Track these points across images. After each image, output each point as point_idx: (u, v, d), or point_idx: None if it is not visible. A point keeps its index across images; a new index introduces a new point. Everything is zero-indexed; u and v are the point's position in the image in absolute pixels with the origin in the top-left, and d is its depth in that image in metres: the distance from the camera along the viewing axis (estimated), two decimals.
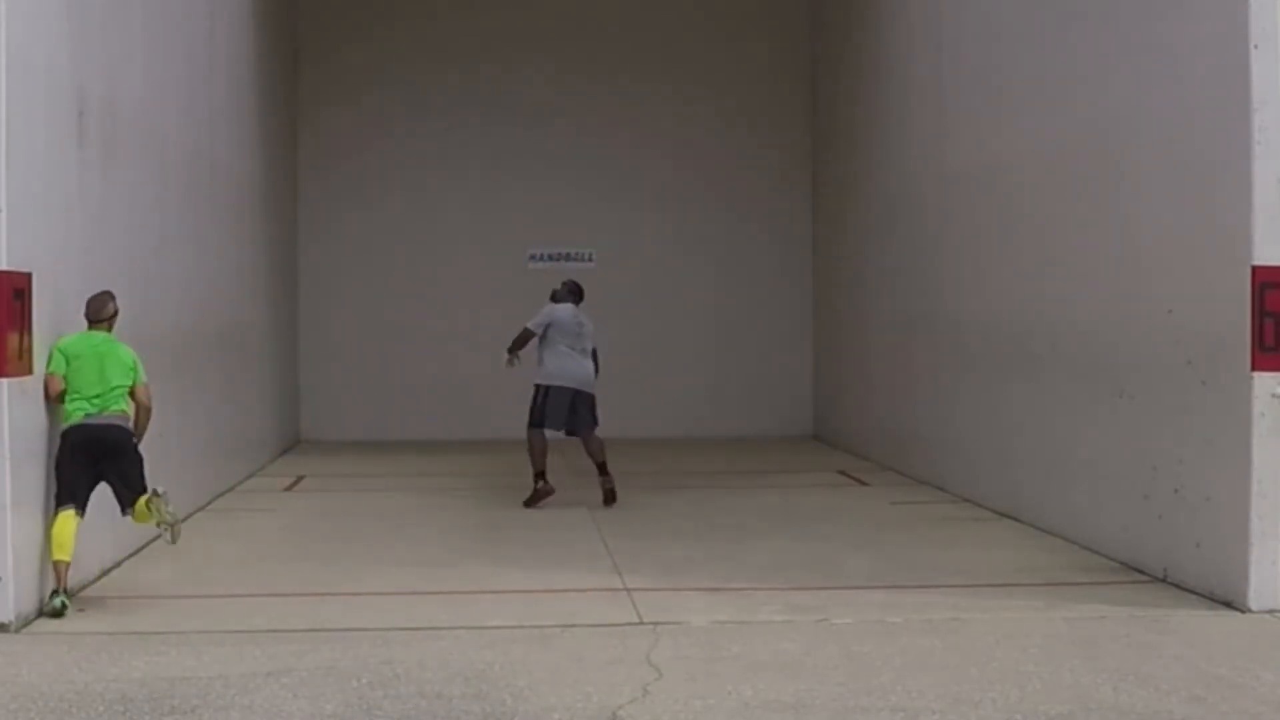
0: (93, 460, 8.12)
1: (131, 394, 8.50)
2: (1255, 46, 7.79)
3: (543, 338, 12.29)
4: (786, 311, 19.66)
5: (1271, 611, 7.78)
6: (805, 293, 19.64)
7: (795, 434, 19.23)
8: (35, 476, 7.90)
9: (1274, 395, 7.76)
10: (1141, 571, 8.99)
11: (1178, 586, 8.52)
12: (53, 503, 8.02)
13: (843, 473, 15.11)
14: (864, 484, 14.26)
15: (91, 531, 8.87)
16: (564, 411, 12.17)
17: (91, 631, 7.56)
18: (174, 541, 8.78)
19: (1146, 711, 6.04)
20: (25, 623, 7.60)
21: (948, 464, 13.19)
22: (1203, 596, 8.22)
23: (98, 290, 8.56)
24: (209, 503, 12.43)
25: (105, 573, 9.06)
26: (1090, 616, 7.91)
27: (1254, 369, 7.77)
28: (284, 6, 17.83)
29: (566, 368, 12.26)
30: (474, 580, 9.07)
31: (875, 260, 16.08)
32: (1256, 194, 7.78)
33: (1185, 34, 8.53)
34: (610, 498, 12.08)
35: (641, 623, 7.70)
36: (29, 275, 7.71)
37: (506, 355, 12.36)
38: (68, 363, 8.13)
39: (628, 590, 8.62)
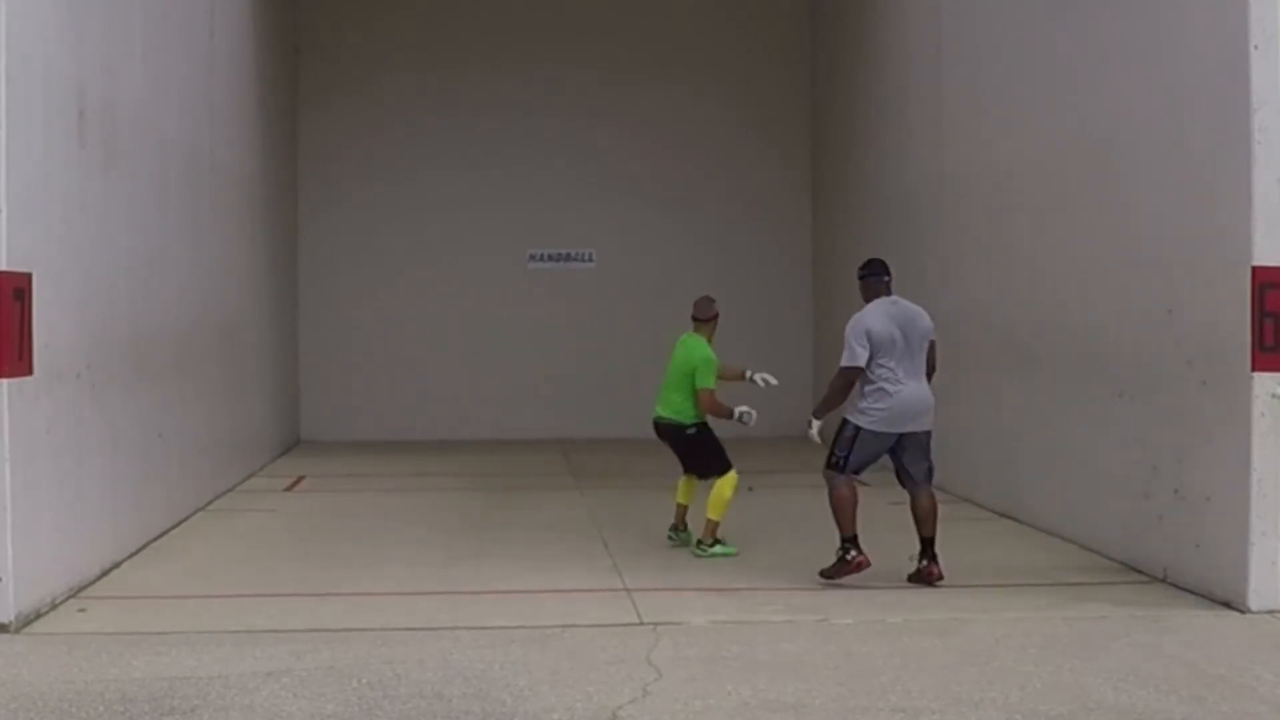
0: None
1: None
2: (1255, 47, 7.79)
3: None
4: (786, 311, 19.67)
5: (1271, 611, 7.78)
6: (805, 293, 19.65)
7: (795, 434, 19.18)
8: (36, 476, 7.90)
9: (1274, 395, 7.75)
10: (1141, 571, 8.99)
11: (1178, 586, 8.52)
12: (52, 501, 8.03)
13: None
14: (863, 484, 14.22)
15: (91, 531, 8.89)
16: None
17: (91, 631, 7.56)
18: None
19: (1146, 711, 6.04)
20: (25, 623, 7.60)
21: (947, 464, 13.13)
22: (1203, 596, 8.22)
23: (101, 290, 8.57)
24: (209, 503, 12.44)
25: (105, 573, 9.07)
26: (1090, 616, 7.91)
27: (1254, 369, 7.77)
28: (284, 5, 17.83)
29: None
30: (474, 580, 9.07)
31: None
32: (1256, 194, 7.78)
33: (1185, 34, 8.53)
34: None
35: (641, 623, 7.70)
36: (29, 275, 7.71)
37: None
38: None
39: (628, 590, 8.62)
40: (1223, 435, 8.05)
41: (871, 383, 8.76)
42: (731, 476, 10.05)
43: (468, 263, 19.38)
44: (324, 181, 19.15)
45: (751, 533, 10.67)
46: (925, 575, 8.78)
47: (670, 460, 10.67)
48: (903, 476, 9.02)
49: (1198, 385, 8.31)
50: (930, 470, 8.97)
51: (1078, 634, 7.46)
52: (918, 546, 8.87)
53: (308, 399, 19.16)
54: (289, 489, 14.12)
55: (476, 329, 19.35)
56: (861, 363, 8.73)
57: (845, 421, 8.90)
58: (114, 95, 9.54)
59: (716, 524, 9.93)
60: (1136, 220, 9.20)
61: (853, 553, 8.77)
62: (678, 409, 10.22)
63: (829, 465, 8.98)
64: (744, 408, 10.20)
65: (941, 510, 12.12)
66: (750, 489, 11.02)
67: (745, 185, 19.62)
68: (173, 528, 10.99)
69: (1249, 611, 7.79)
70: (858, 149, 16.86)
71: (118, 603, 8.40)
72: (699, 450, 10.27)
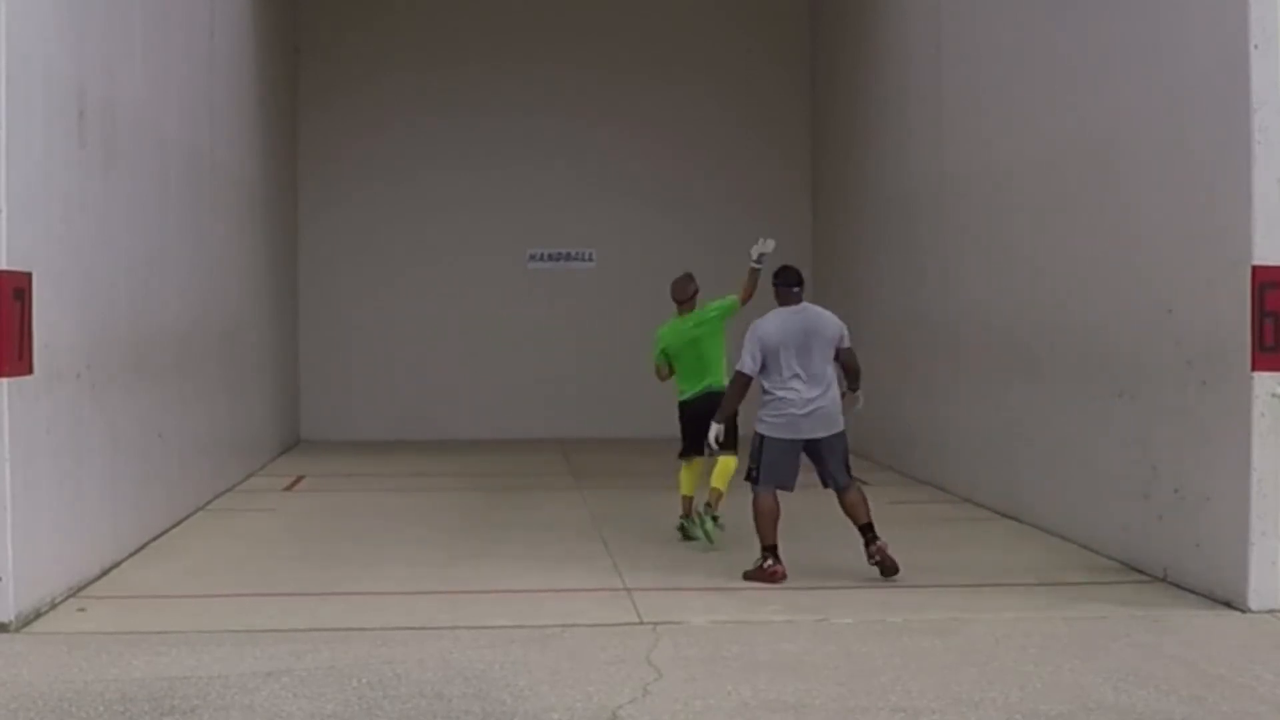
0: None
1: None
2: (1255, 46, 7.79)
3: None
4: None
5: (1271, 611, 7.77)
6: (805, 292, 19.62)
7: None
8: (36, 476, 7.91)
9: (1274, 395, 7.75)
10: (1141, 571, 8.99)
11: (1178, 586, 8.52)
12: (52, 501, 8.03)
13: None
14: (863, 484, 14.23)
15: (91, 531, 8.89)
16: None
17: (91, 631, 7.56)
18: None
19: (1146, 711, 6.04)
20: (25, 622, 7.60)
21: (947, 464, 13.20)
22: (1203, 596, 8.22)
23: (101, 290, 8.57)
24: (209, 503, 12.44)
25: (105, 573, 9.07)
26: (1090, 616, 7.91)
27: (1254, 369, 7.77)
28: (284, 5, 17.83)
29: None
30: (474, 580, 9.07)
31: (875, 260, 16.08)
32: (1256, 194, 7.78)
33: (1185, 34, 8.53)
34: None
35: (641, 623, 7.70)
36: (29, 275, 7.71)
37: None
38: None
39: (628, 590, 8.62)
40: (1223, 435, 8.05)
41: (769, 391, 8.93)
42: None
43: (468, 263, 19.38)
44: (324, 181, 19.15)
45: (751, 532, 10.66)
46: (879, 557, 8.87)
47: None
48: (825, 480, 9.16)
49: (1198, 385, 8.31)
50: (849, 469, 9.14)
51: (1078, 634, 7.46)
52: (862, 540, 9.02)
53: (308, 399, 19.16)
54: (289, 489, 14.12)
55: (476, 329, 19.35)
56: (748, 369, 8.98)
57: (755, 432, 9.04)
58: (114, 95, 9.54)
59: (722, 495, 10.11)
60: (1136, 220, 9.20)
61: (770, 562, 8.90)
62: (722, 377, 10.29)
63: (745, 477, 9.11)
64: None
65: (942, 510, 12.19)
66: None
67: (745, 185, 19.60)
68: (173, 527, 10.99)
69: (1249, 611, 7.79)
70: (858, 149, 16.86)
71: (118, 603, 8.40)
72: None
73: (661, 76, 19.46)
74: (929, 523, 11.42)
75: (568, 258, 19.61)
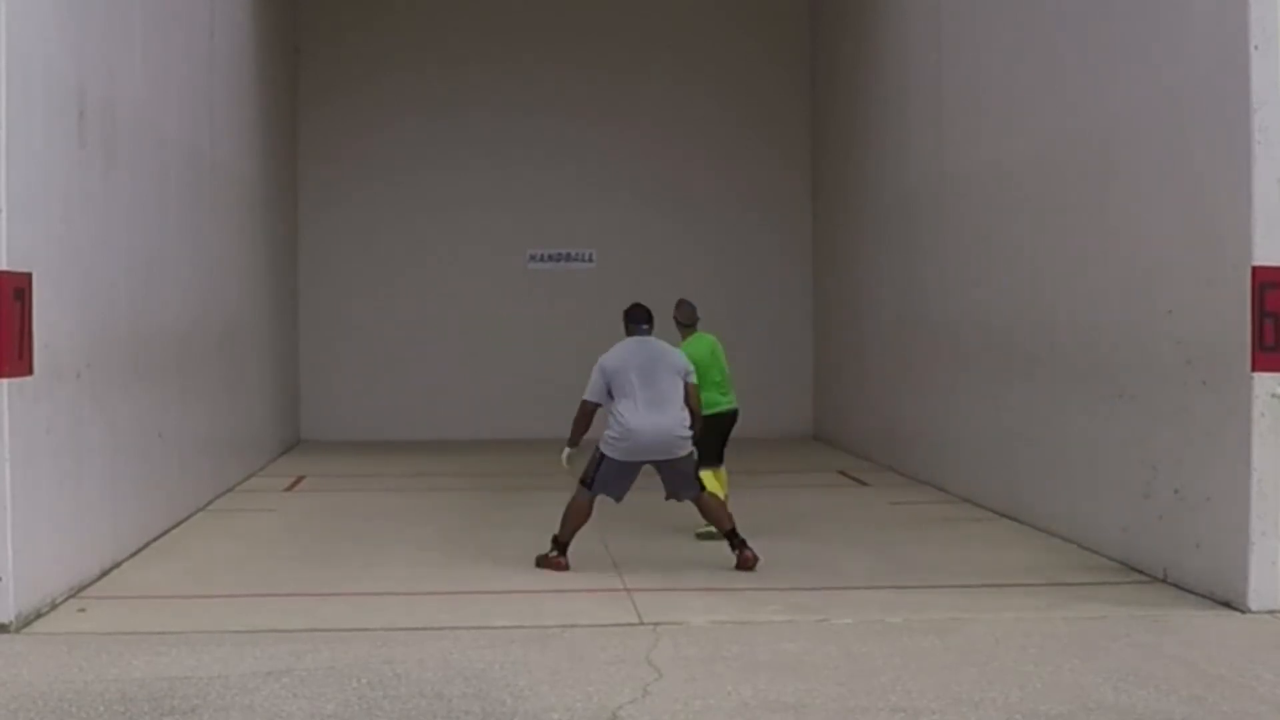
0: None
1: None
2: (1255, 47, 7.79)
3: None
4: (786, 311, 19.68)
5: (1271, 611, 7.78)
6: (805, 293, 19.66)
7: (795, 434, 19.23)
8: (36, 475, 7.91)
9: (1274, 395, 7.76)
10: (1141, 571, 8.99)
11: (1178, 586, 8.52)
12: (52, 501, 8.03)
13: (843, 473, 15.11)
14: (864, 484, 14.27)
15: (91, 531, 8.89)
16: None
17: (91, 631, 7.56)
18: None
19: (1146, 711, 6.04)
20: (25, 623, 7.60)
21: (947, 464, 13.20)
22: (1203, 596, 8.22)
23: (101, 290, 8.57)
24: (209, 503, 12.44)
25: (105, 573, 9.07)
26: (1090, 616, 7.91)
27: (1254, 369, 7.77)
28: (284, 5, 17.83)
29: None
30: (474, 580, 9.07)
31: (875, 260, 16.09)
32: (1256, 194, 7.78)
33: (1185, 34, 8.53)
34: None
35: (641, 623, 7.70)
36: (29, 275, 7.71)
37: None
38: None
39: (628, 590, 8.62)
40: (1223, 435, 8.05)
41: (614, 415, 9.28)
42: None
43: (467, 263, 19.39)
44: (324, 181, 19.15)
45: (751, 533, 10.66)
46: (741, 563, 9.24)
47: None
48: (671, 496, 9.58)
49: (1198, 385, 8.31)
50: (697, 487, 9.53)
51: (1078, 634, 7.46)
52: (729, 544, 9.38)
53: (308, 399, 19.16)
54: (289, 489, 14.12)
55: (476, 329, 19.36)
56: (593, 397, 9.35)
57: (597, 447, 9.41)
58: (114, 95, 9.55)
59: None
60: (1136, 220, 9.20)
61: (554, 553, 9.38)
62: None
63: (580, 479, 9.46)
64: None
65: (942, 510, 12.19)
66: None
67: (745, 185, 19.62)
68: (173, 528, 10.99)
69: (1249, 611, 7.80)
70: (858, 149, 16.86)
71: (118, 603, 8.40)
72: None
73: (661, 76, 19.47)
74: (929, 523, 11.42)
75: (568, 258, 19.61)
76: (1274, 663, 6.85)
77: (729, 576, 9.08)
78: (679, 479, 9.44)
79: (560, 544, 9.41)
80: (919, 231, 14.14)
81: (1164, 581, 8.69)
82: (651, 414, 9.21)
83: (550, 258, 19.61)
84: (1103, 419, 9.65)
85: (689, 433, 9.35)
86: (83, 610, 8.08)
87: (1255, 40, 7.79)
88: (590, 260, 19.62)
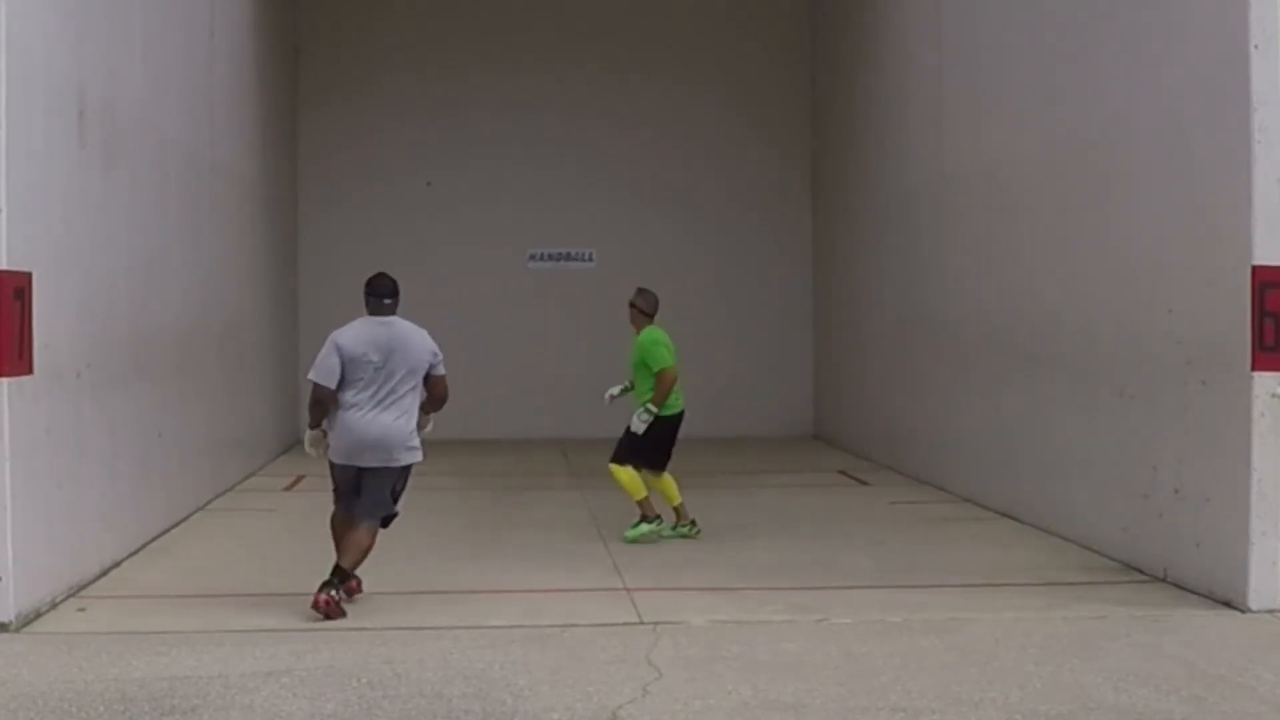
0: None
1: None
2: (1255, 46, 7.79)
3: None
4: (786, 311, 19.68)
5: (1271, 611, 7.78)
6: (805, 292, 19.65)
7: (795, 434, 19.23)
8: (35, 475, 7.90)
9: (1274, 395, 7.76)
10: (1141, 571, 8.99)
11: (1178, 586, 8.52)
12: (52, 501, 8.03)
13: (843, 472, 15.11)
14: (864, 484, 14.26)
15: (91, 531, 8.89)
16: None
17: (91, 631, 7.56)
18: None
19: (1146, 711, 6.04)
20: (25, 622, 7.60)
21: (948, 464, 13.19)
22: (1203, 596, 8.22)
23: (101, 290, 8.57)
24: (209, 503, 12.44)
25: (105, 573, 9.07)
26: (1090, 616, 7.91)
27: (1254, 369, 7.78)
28: (284, 5, 17.83)
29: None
30: (474, 580, 9.07)
31: (875, 260, 16.09)
32: (1256, 194, 7.78)
33: (1185, 34, 8.53)
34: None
35: (641, 623, 7.70)
36: (29, 275, 7.71)
37: None
38: None
39: (628, 590, 8.62)
40: (1222, 435, 8.05)
41: (338, 407, 8.02)
42: None
43: (467, 263, 19.37)
44: (324, 181, 19.14)
45: (752, 532, 10.67)
46: (314, 601, 7.71)
47: (673, 461, 10.69)
48: (353, 510, 8.14)
49: (1198, 385, 8.31)
50: (379, 507, 8.12)
51: (1078, 634, 7.46)
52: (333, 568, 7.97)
53: (307, 399, 19.11)
54: (289, 489, 14.11)
55: (476, 329, 19.33)
56: (322, 379, 8.00)
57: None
58: (114, 95, 9.55)
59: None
60: (1136, 220, 9.20)
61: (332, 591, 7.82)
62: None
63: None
64: None
65: (942, 510, 12.17)
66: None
67: (745, 185, 19.62)
68: (172, 527, 10.99)
69: (1249, 611, 7.80)
70: (858, 149, 16.86)
71: (118, 603, 8.40)
72: None
73: (662, 76, 19.46)
74: (929, 523, 11.42)
75: (568, 258, 19.61)
76: (1274, 663, 6.85)
77: (729, 576, 9.08)
78: (374, 496, 8.05)
79: (342, 572, 7.93)
80: (919, 231, 14.14)
81: (1164, 581, 8.69)
82: (381, 411, 7.96)
83: (550, 257, 19.61)
84: (1103, 419, 9.65)
85: (417, 442, 8.12)
86: (83, 610, 8.08)
87: (1255, 40, 7.79)
88: (590, 260, 19.62)
